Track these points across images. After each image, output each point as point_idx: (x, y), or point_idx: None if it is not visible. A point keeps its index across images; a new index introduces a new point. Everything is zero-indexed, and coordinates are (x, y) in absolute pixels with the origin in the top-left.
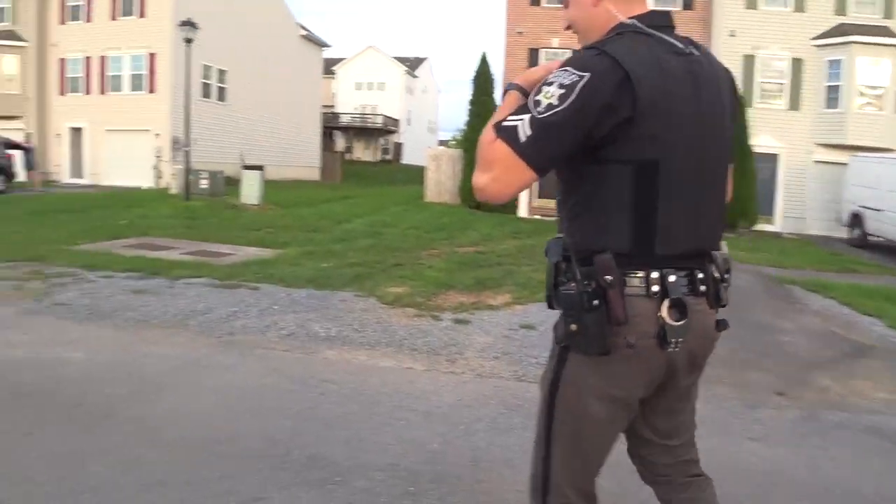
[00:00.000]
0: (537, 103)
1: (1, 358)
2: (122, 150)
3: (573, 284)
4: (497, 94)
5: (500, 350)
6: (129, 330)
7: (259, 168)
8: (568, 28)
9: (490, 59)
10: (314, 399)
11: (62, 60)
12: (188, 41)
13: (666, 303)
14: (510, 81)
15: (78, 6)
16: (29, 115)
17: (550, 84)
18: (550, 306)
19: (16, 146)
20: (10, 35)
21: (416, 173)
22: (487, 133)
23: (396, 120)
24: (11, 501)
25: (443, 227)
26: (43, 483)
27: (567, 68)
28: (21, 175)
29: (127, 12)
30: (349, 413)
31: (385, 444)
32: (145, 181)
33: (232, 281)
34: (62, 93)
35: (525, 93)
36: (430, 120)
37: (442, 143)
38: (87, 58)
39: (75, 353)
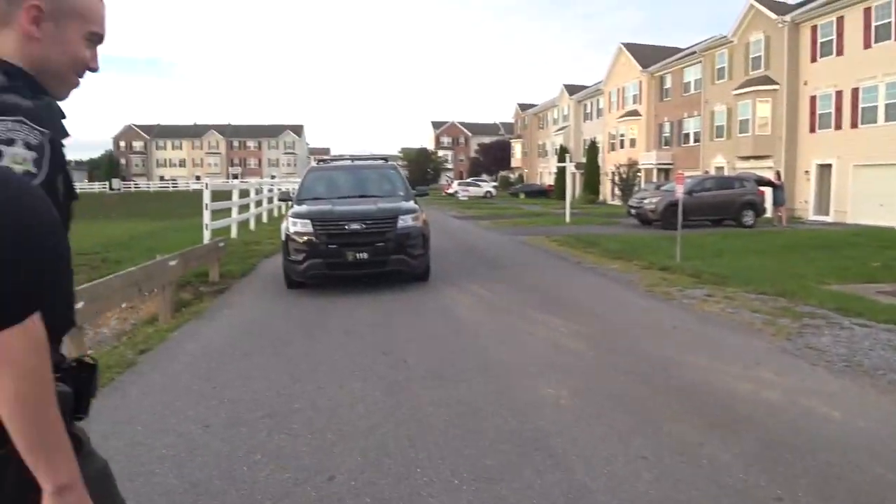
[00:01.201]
0: None
1: (754, 397)
2: (871, 186)
3: None
4: None
5: None
6: (895, 396)
7: None
8: None
9: None
10: None
11: (812, 98)
12: None
13: None
14: None
15: (829, 41)
16: (778, 153)
17: None
18: None
19: (767, 183)
20: (764, 80)
21: None
22: None
23: None
24: None
25: None
26: None
27: None
28: (768, 211)
29: (882, 37)
30: None
31: None
32: None
33: None
34: (812, 130)
35: None
36: None
37: None
38: (838, 92)
39: (832, 410)
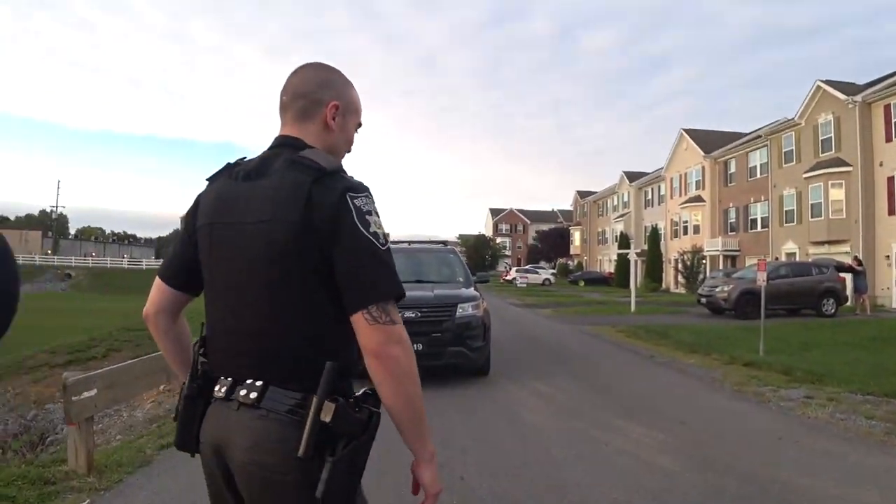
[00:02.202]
0: None
1: None
2: None
3: None
4: None
5: None
6: None
7: None
8: None
9: None
10: None
11: (890, 179)
12: None
13: None
14: None
15: None
16: (854, 238)
17: None
18: None
19: (847, 269)
20: (836, 162)
21: None
22: None
23: None
24: None
25: None
26: None
27: None
28: (849, 299)
29: None
30: None
31: None
32: None
33: None
34: (891, 212)
35: None
36: None
37: None
38: None
39: None
